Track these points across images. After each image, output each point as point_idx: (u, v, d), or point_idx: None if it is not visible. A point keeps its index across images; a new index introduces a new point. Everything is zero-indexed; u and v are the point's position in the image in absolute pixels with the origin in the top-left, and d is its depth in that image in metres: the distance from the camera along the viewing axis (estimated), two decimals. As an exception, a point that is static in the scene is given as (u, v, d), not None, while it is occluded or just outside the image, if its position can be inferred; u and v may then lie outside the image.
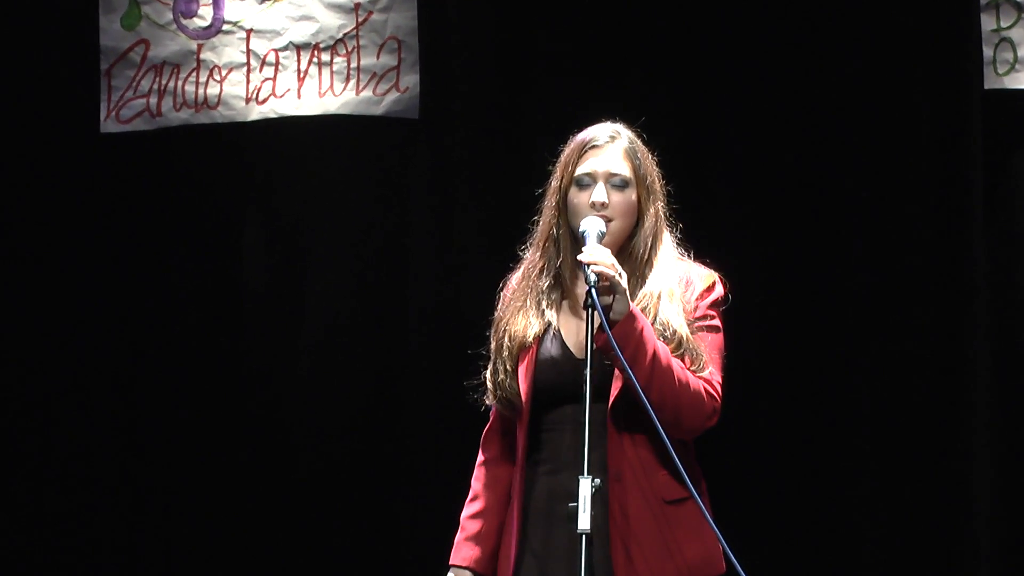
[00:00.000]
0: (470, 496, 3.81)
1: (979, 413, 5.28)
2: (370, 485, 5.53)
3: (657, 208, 3.73)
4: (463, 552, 3.76)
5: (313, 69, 5.63)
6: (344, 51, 5.63)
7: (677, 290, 3.66)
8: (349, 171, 5.63)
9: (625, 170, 3.69)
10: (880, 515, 5.30)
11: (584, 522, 3.34)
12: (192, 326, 5.65)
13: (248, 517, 5.56)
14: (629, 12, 5.46)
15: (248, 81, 5.64)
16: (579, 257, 3.55)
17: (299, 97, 5.63)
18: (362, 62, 5.61)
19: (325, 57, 5.63)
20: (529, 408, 3.65)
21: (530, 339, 3.67)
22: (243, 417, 5.60)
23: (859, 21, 5.35)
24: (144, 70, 5.67)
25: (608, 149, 3.70)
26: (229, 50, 5.66)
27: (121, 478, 5.64)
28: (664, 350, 3.55)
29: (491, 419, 3.82)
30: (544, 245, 3.75)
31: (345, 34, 5.63)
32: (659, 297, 3.64)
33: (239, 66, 5.65)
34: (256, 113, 5.64)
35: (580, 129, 3.77)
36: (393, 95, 5.60)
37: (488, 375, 3.75)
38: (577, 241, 3.65)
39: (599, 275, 3.47)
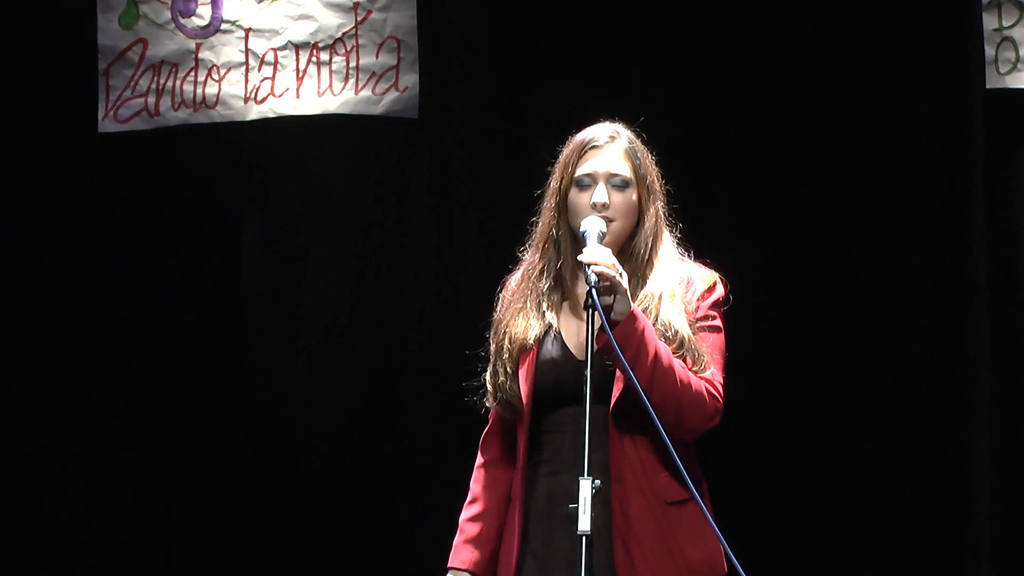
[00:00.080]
0: (469, 498, 3.79)
1: (979, 413, 5.28)
2: (370, 485, 5.53)
3: (657, 208, 3.72)
4: (462, 554, 3.75)
5: (312, 68, 5.62)
6: (343, 50, 5.62)
7: (678, 290, 3.65)
8: (348, 171, 5.62)
9: (625, 170, 3.68)
10: (880, 515, 5.30)
11: (584, 523, 3.33)
12: (191, 326, 5.64)
13: (248, 517, 5.56)
14: (629, 12, 5.46)
15: (247, 80, 5.63)
16: (580, 257, 3.53)
17: (298, 97, 5.62)
18: (361, 61, 5.61)
19: (324, 56, 5.63)
20: (530, 410, 3.64)
21: (531, 341, 3.66)
22: (243, 417, 5.60)
23: (859, 21, 5.35)
24: (142, 69, 5.66)
25: (608, 149, 3.69)
26: (228, 49, 5.65)
27: (121, 478, 5.63)
28: (666, 351, 3.54)
29: (490, 421, 3.80)
30: (544, 246, 3.74)
31: (344, 33, 5.62)
32: (660, 297, 3.63)
33: (238, 65, 5.65)
34: (255, 113, 5.64)
35: (580, 129, 3.76)
36: (392, 95, 5.59)
37: (488, 377, 3.74)
38: (577, 242, 3.64)
39: (600, 275, 3.46)
